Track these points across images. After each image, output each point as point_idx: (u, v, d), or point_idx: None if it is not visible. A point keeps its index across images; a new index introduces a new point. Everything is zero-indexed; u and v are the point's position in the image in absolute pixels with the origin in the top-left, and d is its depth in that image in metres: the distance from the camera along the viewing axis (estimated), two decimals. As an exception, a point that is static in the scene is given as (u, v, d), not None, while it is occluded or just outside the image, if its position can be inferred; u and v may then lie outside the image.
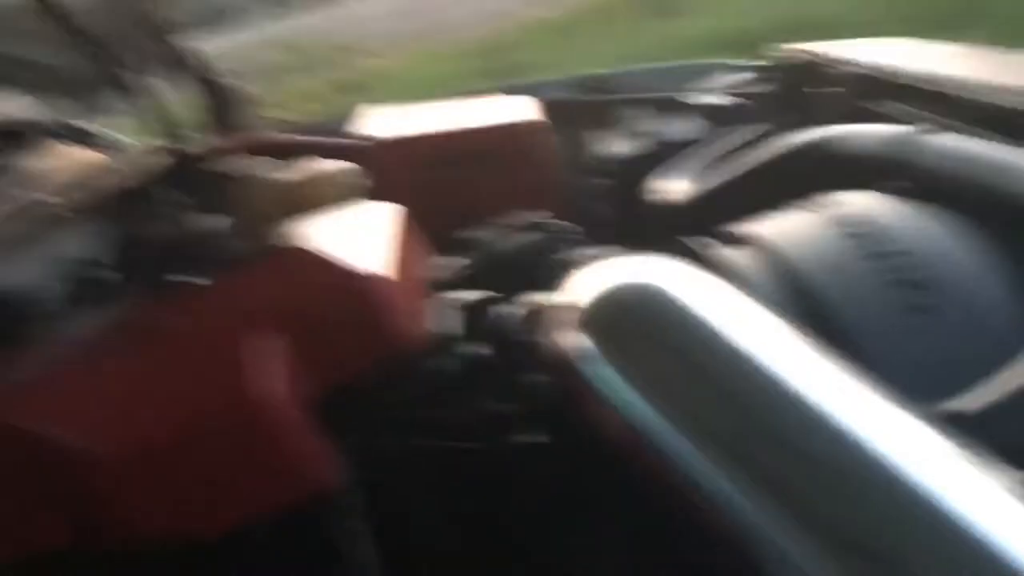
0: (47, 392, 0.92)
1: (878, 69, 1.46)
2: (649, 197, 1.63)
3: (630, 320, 0.79)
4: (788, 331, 0.73)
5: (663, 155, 1.84)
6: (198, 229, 1.60)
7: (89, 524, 0.87)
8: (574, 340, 0.83)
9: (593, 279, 0.87)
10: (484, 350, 1.04)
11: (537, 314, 1.04)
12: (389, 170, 1.73)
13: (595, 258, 1.03)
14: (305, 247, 0.99)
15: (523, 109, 1.84)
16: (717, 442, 0.68)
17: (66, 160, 1.66)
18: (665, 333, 0.76)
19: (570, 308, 0.86)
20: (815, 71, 1.67)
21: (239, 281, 1.00)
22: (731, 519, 0.65)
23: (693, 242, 1.08)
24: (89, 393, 0.90)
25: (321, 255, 0.95)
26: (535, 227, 1.28)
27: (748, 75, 2.05)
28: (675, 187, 1.58)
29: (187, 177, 1.76)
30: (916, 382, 0.74)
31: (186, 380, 0.88)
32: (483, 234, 1.30)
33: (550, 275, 1.10)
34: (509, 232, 1.28)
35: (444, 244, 1.30)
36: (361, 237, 1.02)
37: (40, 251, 1.33)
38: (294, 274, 0.96)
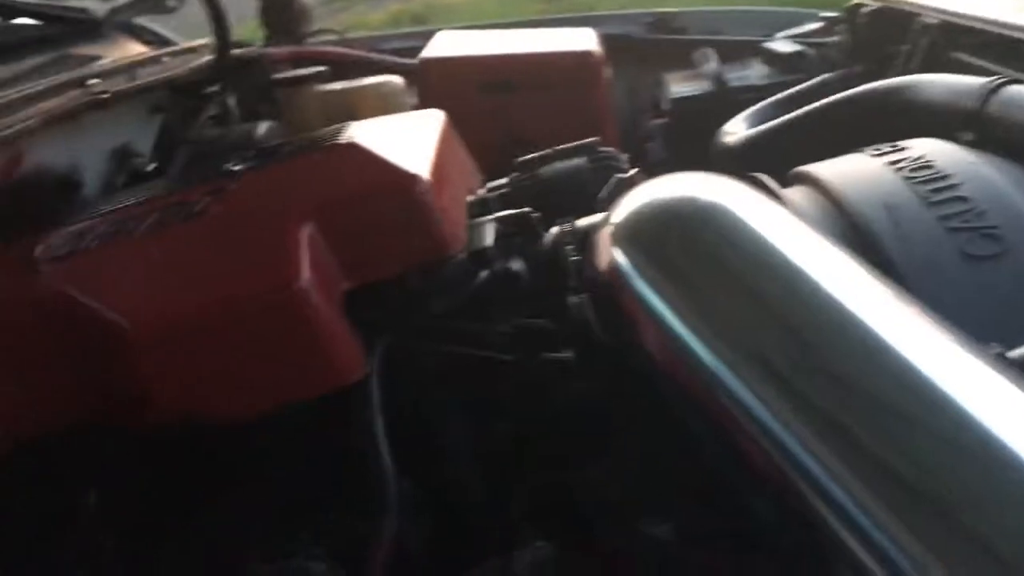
0: (87, 266, 0.92)
1: (955, 17, 1.40)
2: (710, 140, 1.59)
3: (674, 234, 0.76)
4: (843, 255, 0.70)
5: (727, 99, 1.80)
6: (243, 130, 1.60)
7: (119, 400, 0.87)
8: (614, 256, 0.80)
9: (637, 197, 0.84)
10: (521, 265, 1.01)
11: (579, 233, 1.02)
12: (438, 89, 1.71)
13: (639, 179, 1.00)
14: (352, 142, 0.97)
15: (582, 40, 1.80)
16: (763, 367, 0.65)
17: (119, 51, 1.65)
18: (711, 249, 0.73)
19: (612, 224, 0.83)
20: (890, 19, 1.61)
21: (283, 171, 0.98)
22: (769, 446, 0.62)
23: (750, 179, 1.05)
24: (127, 269, 0.90)
25: (368, 150, 0.94)
26: (583, 152, 1.24)
27: (822, 23, 1.99)
28: (737, 130, 1.54)
29: (237, 80, 1.75)
30: (971, 328, 0.70)
31: (223, 262, 0.87)
32: (530, 157, 1.27)
33: (595, 199, 1.09)
34: (557, 156, 1.25)
35: (490, 166, 1.27)
36: (407, 140, 1.00)
37: (86, 136, 1.33)
38: (339, 167, 0.94)
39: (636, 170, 0.99)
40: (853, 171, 1.03)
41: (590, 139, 1.28)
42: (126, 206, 1.00)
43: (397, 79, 1.75)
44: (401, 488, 0.86)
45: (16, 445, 0.88)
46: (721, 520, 0.94)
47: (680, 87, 1.91)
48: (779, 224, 0.74)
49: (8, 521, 0.91)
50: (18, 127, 1.11)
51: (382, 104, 1.64)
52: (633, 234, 0.79)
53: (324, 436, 0.90)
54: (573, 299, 0.95)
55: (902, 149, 1.04)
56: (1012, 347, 0.72)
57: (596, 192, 1.15)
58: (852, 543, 0.56)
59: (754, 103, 1.66)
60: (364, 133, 1.00)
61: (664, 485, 0.93)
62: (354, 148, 0.95)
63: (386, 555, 0.81)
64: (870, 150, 1.06)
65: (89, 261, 0.91)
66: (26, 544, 0.91)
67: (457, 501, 0.95)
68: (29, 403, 0.87)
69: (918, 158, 1.00)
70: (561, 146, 1.27)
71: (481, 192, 1.20)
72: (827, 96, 1.39)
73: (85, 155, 1.33)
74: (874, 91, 1.30)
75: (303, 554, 0.77)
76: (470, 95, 1.69)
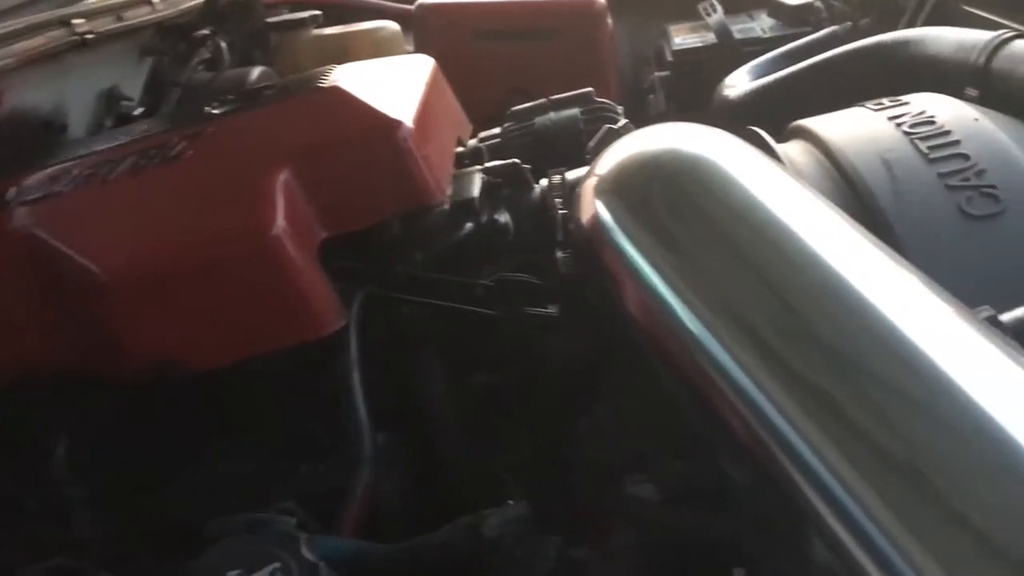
0: (60, 209, 0.90)
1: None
2: (712, 92, 1.56)
3: (657, 187, 0.73)
4: (831, 212, 0.67)
5: (732, 51, 1.76)
6: (235, 75, 1.57)
7: (91, 346, 0.85)
8: (596, 209, 0.77)
9: (622, 147, 0.81)
10: (508, 218, 0.99)
11: (567, 185, 0.99)
12: (434, 35, 1.67)
13: (628, 130, 0.97)
14: (334, 86, 0.94)
15: (583, -10, 1.76)
16: (743, 327, 0.62)
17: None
18: (694, 202, 0.70)
19: (595, 176, 0.80)
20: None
21: (262, 115, 0.95)
22: (746, 408, 0.60)
23: (746, 133, 1.02)
24: (100, 213, 0.88)
25: (350, 95, 0.91)
26: (578, 103, 1.21)
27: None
28: (739, 83, 1.50)
29: (230, 23, 1.71)
30: (966, 290, 0.68)
31: (197, 207, 0.85)
32: (523, 107, 1.24)
33: (587, 151, 1.06)
34: (551, 106, 1.22)
35: (486, 116, 1.24)
36: (392, 86, 0.97)
37: (70, 77, 1.30)
38: (320, 112, 0.91)
39: (626, 121, 0.95)
40: (852, 125, 1.00)
41: (585, 89, 1.24)
42: (102, 150, 0.98)
43: (393, 24, 1.72)
44: (376, 440, 0.84)
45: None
46: (701, 480, 0.92)
47: (684, 38, 1.87)
48: (766, 178, 0.71)
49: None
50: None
51: (377, 50, 1.61)
52: (615, 186, 0.76)
53: (299, 387, 0.88)
54: (560, 254, 0.93)
55: (903, 104, 1.00)
56: (1006, 308, 0.69)
57: (589, 143, 1.12)
58: (825, 509, 0.54)
59: (759, 56, 1.63)
60: (348, 77, 0.97)
61: (646, 444, 0.92)
62: (336, 92, 0.92)
63: (359, 508, 0.80)
64: (871, 104, 1.03)
65: (62, 205, 0.89)
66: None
67: (434, 455, 0.94)
68: (1, 348, 0.86)
69: (919, 113, 0.97)
70: (555, 96, 1.24)
71: (472, 143, 1.17)
72: (832, 49, 1.36)
73: (69, 97, 1.30)
74: (879, 45, 1.27)
75: (275, 506, 0.75)
76: (467, 42, 1.65)
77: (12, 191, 0.93)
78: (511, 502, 0.73)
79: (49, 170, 0.96)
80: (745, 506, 0.72)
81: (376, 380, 0.89)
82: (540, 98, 1.26)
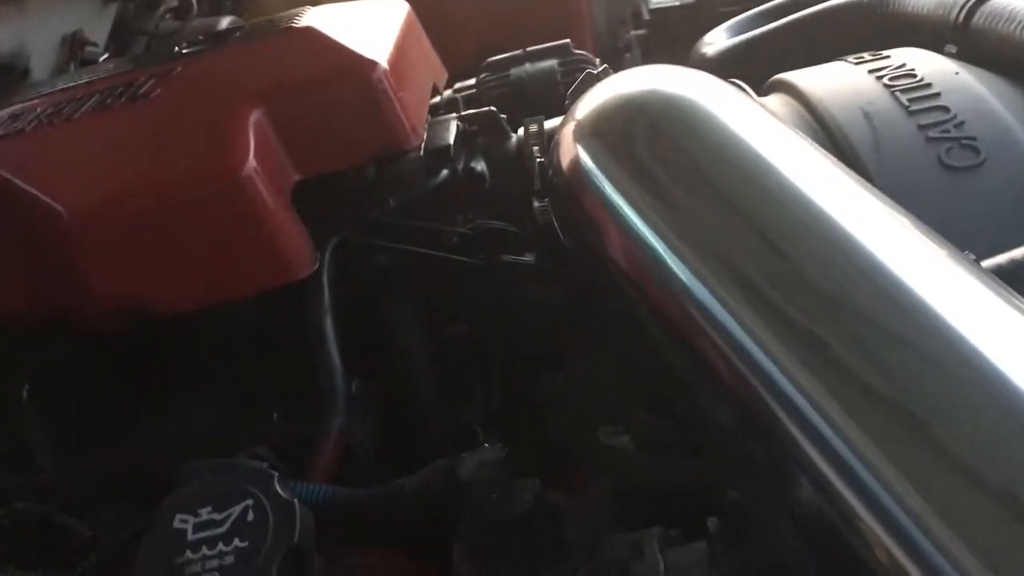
0: (22, 148, 0.87)
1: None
2: (689, 51, 1.54)
3: (639, 128, 0.71)
4: (816, 153, 0.67)
5: (709, 10, 1.74)
6: (203, 24, 1.53)
7: (58, 289, 0.83)
8: (576, 152, 0.76)
9: (602, 90, 0.80)
10: (484, 166, 0.97)
11: (545, 134, 0.97)
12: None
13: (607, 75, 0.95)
14: (307, 26, 0.91)
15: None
16: (728, 271, 0.61)
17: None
18: (677, 143, 0.69)
19: (575, 119, 0.79)
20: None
21: (233, 54, 0.93)
22: (732, 353, 0.59)
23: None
24: (65, 152, 0.85)
25: (324, 35, 0.88)
26: (554, 54, 1.19)
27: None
28: (717, 40, 1.48)
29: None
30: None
31: (165, 146, 0.82)
32: (500, 58, 1.22)
33: (563, 101, 1.04)
34: (527, 57, 1.20)
35: (455, 70, 1.22)
36: (367, 28, 0.95)
37: (31, 20, 1.26)
38: (292, 52, 0.89)
39: (605, 66, 0.94)
40: (832, 78, 0.99)
41: (562, 41, 1.22)
42: (67, 88, 0.94)
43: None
44: (349, 387, 0.83)
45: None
46: (678, 430, 0.92)
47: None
48: (749, 118, 0.70)
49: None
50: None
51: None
52: (595, 129, 0.75)
53: (270, 333, 0.87)
54: (537, 203, 0.91)
55: (884, 57, 1.00)
56: (985, 258, 0.69)
57: (567, 94, 1.10)
58: (815, 453, 0.53)
59: (736, 15, 1.61)
60: (321, 18, 0.95)
61: (623, 394, 0.91)
62: (309, 32, 0.90)
63: (331, 454, 0.79)
64: (852, 58, 1.02)
65: (24, 143, 0.86)
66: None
67: (407, 402, 0.93)
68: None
69: (900, 66, 0.96)
70: (532, 48, 1.22)
71: (447, 93, 1.15)
72: (811, 6, 1.35)
73: (31, 41, 1.26)
74: (859, 1, 1.26)
75: (246, 451, 0.74)
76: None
77: (-28, 129, 0.90)
78: (486, 445, 0.72)
79: (10, 108, 0.92)
80: (724, 453, 0.72)
81: (349, 328, 0.87)
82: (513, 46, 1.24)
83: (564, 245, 0.87)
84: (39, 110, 0.90)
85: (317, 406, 0.82)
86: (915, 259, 0.58)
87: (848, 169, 0.68)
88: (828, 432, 0.52)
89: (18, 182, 0.81)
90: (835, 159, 0.68)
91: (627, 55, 1.84)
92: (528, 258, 0.90)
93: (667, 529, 0.79)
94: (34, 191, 0.80)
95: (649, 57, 1.79)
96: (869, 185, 0.66)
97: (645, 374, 0.88)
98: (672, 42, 1.67)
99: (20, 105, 0.93)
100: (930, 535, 0.45)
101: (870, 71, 0.97)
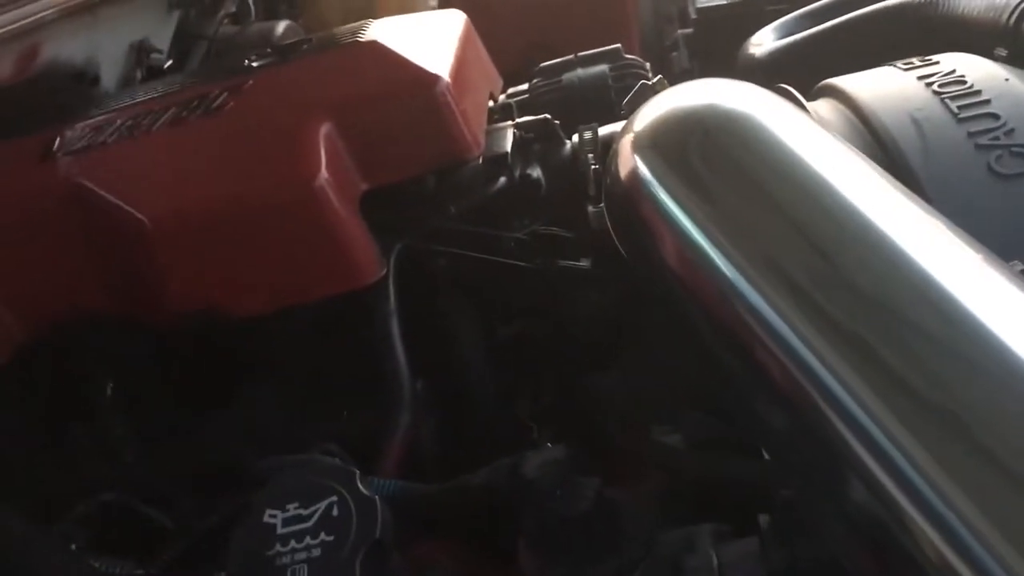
0: (106, 159, 0.92)
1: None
2: (737, 51, 1.55)
3: (696, 142, 0.74)
4: (866, 166, 0.69)
5: (757, 9, 1.75)
6: (261, 28, 1.58)
7: (137, 294, 0.87)
8: (635, 163, 0.79)
9: (660, 103, 0.83)
10: (540, 172, 1.01)
11: (599, 141, 1.00)
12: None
13: (663, 86, 0.98)
14: (372, 41, 0.95)
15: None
16: (781, 278, 0.64)
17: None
18: (733, 157, 0.71)
19: (633, 131, 0.82)
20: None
21: (302, 68, 0.97)
22: (784, 356, 0.62)
23: (776, 90, 1.03)
24: (145, 163, 0.90)
25: (389, 49, 0.92)
26: (606, 59, 1.22)
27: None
28: (765, 41, 1.50)
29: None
30: (995, 248, 0.69)
31: (240, 158, 0.87)
32: (552, 63, 1.26)
33: (617, 107, 1.07)
34: (579, 63, 1.23)
35: (502, 68, 1.26)
36: (428, 41, 0.98)
37: (103, 29, 1.31)
38: (359, 66, 0.93)
39: (660, 77, 0.97)
40: (881, 84, 1.01)
41: (613, 46, 1.25)
42: (143, 100, 0.99)
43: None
44: (414, 386, 0.87)
45: (36, 335, 0.89)
46: (728, 429, 0.95)
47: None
48: (803, 133, 0.73)
49: (26, 411, 0.93)
50: (34, 18, 1.09)
51: (403, 4, 1.61)
52: (653, 142, 0.78)
53: (339, 334, 0.91)
54: (592, 208, 0.94)
55: (933, 63, 1.01)
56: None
57: (618, 99, 1.13)
58: (864, 456, 0.56)
59: (784, 15, 1.62)
60: (384, 32, 0.99)
61: (674, 394, 0.94)
62: (374, 47, 0.94)
63: (398, 450, 0.83)
64: (900, 64, 1.04)
65: (107, 155, 0.91)
66: (43, 434, 0.94)
67: (466, 402, 0.97)
68: (50, 292, 0.88)
69: (949, 72, 0.98)
70: (583, 52, 1.25)
71: (501, 98, 1.19)
72: (861, 8, 1.36)
73: (102, 49, 1.31)
74: (908, 4, 1.27)
75: (318, 447, 0.78)
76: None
77: (57, 142, 0.95)
78: (549, 445, 0.75)
79: (92, 121, 0.97)
80: (775, 453, 0.75)
81: (409, 332, 0.91)
82: (561, 53, 1.27)
83: (618, 250, 0.90)
84: (119, 123, 0.95)
85: (384, 403, 0.86)
86: (962, 269, 0.60)
87: (897, 182, 0.70)
88: (876, 433, 0.55)
89: (102, 193, 0.86)
90: (885, 172, 0.71)
91: (673, 54, 1.86)
92: (584, 263, 0.94)
93: (719, 525, 0.82)
94: (118, 201, 0.85)
95: (696, 57, 1.81)
96: (917, 197, 0.68)
97: (696, 375, 0.91)
98: (719, 41, 1.69)
99: (101, 117, 0.97)
100: (975, 533, 0.48)
101: (919, 77, 0.98)
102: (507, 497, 0.74)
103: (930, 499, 0.51)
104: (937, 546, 0.50)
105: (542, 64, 1.26)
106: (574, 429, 0.94)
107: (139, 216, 0.84)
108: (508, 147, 0.99)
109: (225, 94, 0.93)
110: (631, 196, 0.79)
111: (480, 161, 0.97)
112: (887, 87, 0.99)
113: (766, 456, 0.89)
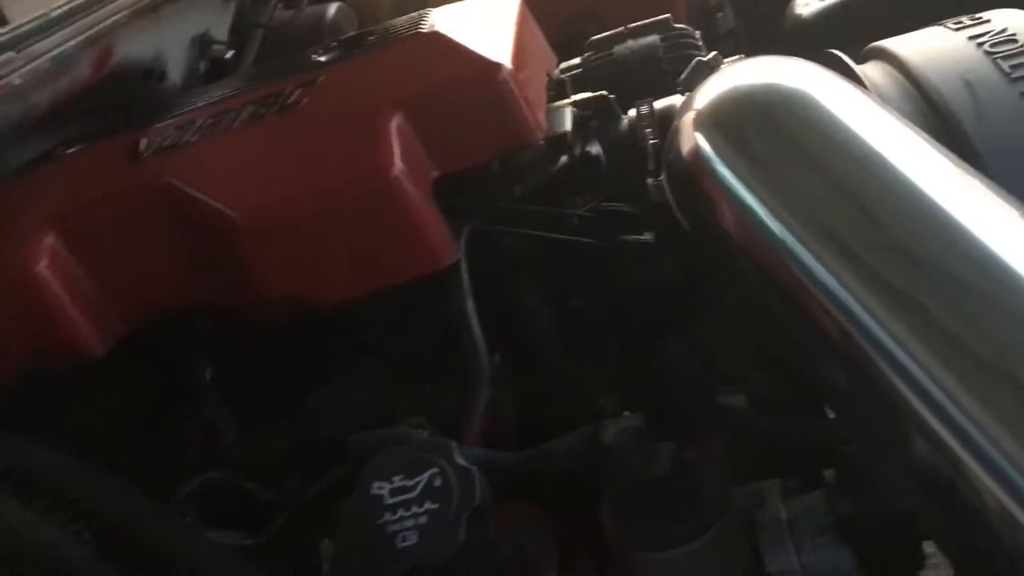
0: (192, 158, 0.97)
1: None
2: (783, 11, 1.56)
3: (757, 119, 0.78)
4: (922, 140, 0.72)
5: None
6: (313, 12, 1.62)
7: (228, 288, 0.93)
8: (697, 141, 0.83)
9: (720, 82, 0.86)
10: (599, 149, 1.04)
11: (656, 115, 1.04)
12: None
13: (718, 63, 1.01)
14: (434, 31, 0.99)
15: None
16: (840, 247, 0.68)
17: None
18: (792, 133, 0.75)
19: (695, 109, 0.85)
20: None
21: (369, 62, 1.01)
22: (845, 321, 0.66)
23: (824, 56, 1.05)
24: (229, 160, 0.94)
25: (451, 40, 0.96)
26: (656, 30, 1.25)
27: None
28: (811, 1, 1.51)
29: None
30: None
31: (319, 152, 0.91)
32: (603, 36, 1.28)
33: (671, 80, 1.10)
34: (629, 34, 1.26)
35: (565, 46, 1.28)
36: (487, 27, 1.02)
37: (167, 26, 1.36)
38: (423, 58, 0.96)
39: (715, 53, 0.99)
40: (932, 46, 1.02)
41: (663, 16, 1.27)
42: (220, 98, 1.04)
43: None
44: (492, 362, 0.92)
45: (136, 327, 0.95)
46: (791, 391, 0.99)
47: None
48: (859, 109, 0.76)
49: (130, 399, 1.00)
50: (109, 21, 1.15)
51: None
52: (715, 120, 0.81)
53: (418, 315, 0.96)
54: (651, 182, 0.98)
55: (983, 21, 1.02)
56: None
57: (670, 71, 1.16)
58: (921, 409, 0.60)
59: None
60: (444, 21, 1.02)
61: (738, 358, 0.98)
62: (437, 38, 0.97)
63: (480, 423, 0.88)
64: (950, 23, 1.05)
65: (193, 154, 0.96)
66: (145, 419, 1.00)
67: (536, 375, 1.01)
68: (147, 286, 0.94)
69: (1001, 31, 0.99)
70: (634, 24, 1.28)
71: (558, 73, 1.22)
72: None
73: (167, 45, 1.36)
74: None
75: (407, 420, 0.84)
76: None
77: (143, 142, 1.00)
78: (626, 413, 0.80)
79: (173, 120, 1.03)
80: (838, 409, 0.79)
81: (481, 310, 0.96)
82: (607, 18, 1.29)
83: (677, 222, 0.94)
84: (199, 122, 1.00)
85: (463, 378, 0.91)
86: (1014, 232, 0.63)
87: (951, 153, 0.73)
88: (932, 388, 0.59)
89: (191, 191, 0.91)
90: (939, 144, 0.73)
91: (719, 14, 1.86)
92: (647, 236, 0.97)
93: (786, 481, 0.87)
94: (207, 199, 0.90)
95: (741, 16, 1.82)
96: (969, 167, 0.71)
97: (759, 339, 0.95)
98: (764, 1, 1.70)
99: (182, 117, 1.03)
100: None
101: (970, 37, 1.00)
102: (588, 463, 0.79)
103: (987, 450, 0.55)
104: (996, 494, 0.54)
105: (593, 38, 1.29)
106: (640, 396, 0.99)
107: (228, 212, 0.89)
108: (568, 126, 1.03)
109: (299, 90, 0.97)
110: (694, 173, 0.83)
111: (541, 142, 1.01)
112: (937, 49, 1.00)
113: (828, 415, 0.94)
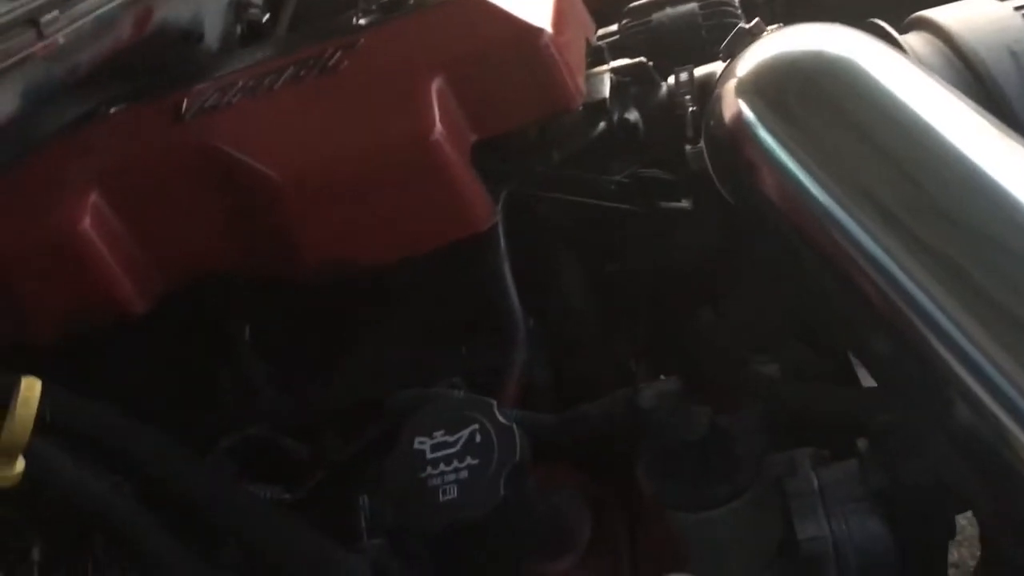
0: (234, 120, 0.97)
1: None
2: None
3: (799, 87, 0.78)
4: (965, 105, 0.72)
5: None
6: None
7: (270, 249, 0.94)
8: (740, 108, 0.83)
9: (761, 50, 0.86)
10: (637, 116, 1.04)
11: (696, 82, 1.03)
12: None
13: (760, 30, 1.00)
14: (474, -4, 0.99)
15: None
16: (882, 211, 0.68)
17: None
18: (835, 100, 0.75)
19: (737, 77, 0.85)
20: None
21: (408, 25, 1.01)
22: (885, 285, 0.66)
23: (866, 26, 1.04)
24: (271, 122, 0.95)
25: (492, 5, 0.95)
26: (696, -1, 1.24)
27: None
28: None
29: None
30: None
31: (360, 115, 0.91)
32: (641, 3, 1.28)
33: (709, 46, 1.09)
34: (667, 1, 1.25)
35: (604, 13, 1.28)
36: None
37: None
38: (463, 21, 0.96)
39: (757, 20, 0.99)
40: (976, 16, 1.01)
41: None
42: (262, 60, 1.05)
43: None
44: (527, 325, 0.92)
45: (177, 286, 0.97)
46: (823, 360, 0.99)
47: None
48: (902, 76, 0.76)
49: (169, 356, 1.02)
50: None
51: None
52: (757, 87, 0.82)
53: (455, 278, 0.96)
54: (689, 149, 0.98)
55: (1031, -9, 1.01)
56: None
57: (709, 38, 1.15)
58: (967, 380, 0.60)
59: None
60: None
61: (772, 327, 0.99)
62: (478, 1, 0.97)
63: (516, 384, 0.89)
64: (998, -8, 1.04)
65: (234, 115, 0.97)
66: (184, 377, 1.02)
67: (570, 340, 1.02)
68: (189, 246, 0.95)
69: (1049, 1, 0.98)
70: None
71: (598, 40, 1.21)
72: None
73: (204, 7, 1.37)
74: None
75: (444, 380, 0.85)
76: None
77: (185, 103, 1.01)
78: (663, 377, 0.81)
79: (215, 82, 1.04)
80: (878, 375, 0.79)
81: (516, 274, 0.96)
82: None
83: (715, 189, 0.94)
84: (241, 83, 1.01)
85: (500, 340, 0.92)
86: None
87: (995, 119, 0.72)
88: (977, 355, 0.59)
89: (233, 152, 0.92)
90: (984, 110, 0.73)
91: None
92: (684, 203, 0.98)
93: (818, 449, 0.87)
94: (249, 160, 0.91)
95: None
96: (1015, 133, 0.71)
97: (794, 307, 0.95)
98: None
99: (224, 79, 1.03)
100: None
101: (1016, 7, 0.99)
102: (625, 425, 0.80)
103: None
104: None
105: (631, 4, 1.28)
106: (674, 363, 0.99)
107: (270, 173, 0.90)
108: (607, 92, 1.03)
109: (339, 53, 0.98)
110: (736, 139, 0.83)
111: (580, 107, 1.01)
112: (982, 19, 1.00)
113: (861, 385, 0.94)
